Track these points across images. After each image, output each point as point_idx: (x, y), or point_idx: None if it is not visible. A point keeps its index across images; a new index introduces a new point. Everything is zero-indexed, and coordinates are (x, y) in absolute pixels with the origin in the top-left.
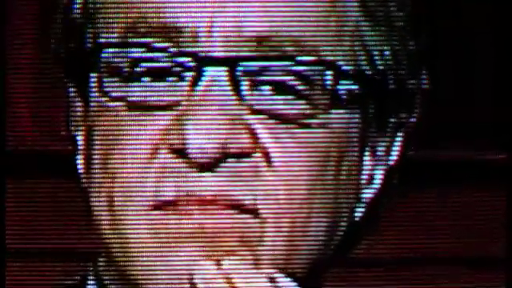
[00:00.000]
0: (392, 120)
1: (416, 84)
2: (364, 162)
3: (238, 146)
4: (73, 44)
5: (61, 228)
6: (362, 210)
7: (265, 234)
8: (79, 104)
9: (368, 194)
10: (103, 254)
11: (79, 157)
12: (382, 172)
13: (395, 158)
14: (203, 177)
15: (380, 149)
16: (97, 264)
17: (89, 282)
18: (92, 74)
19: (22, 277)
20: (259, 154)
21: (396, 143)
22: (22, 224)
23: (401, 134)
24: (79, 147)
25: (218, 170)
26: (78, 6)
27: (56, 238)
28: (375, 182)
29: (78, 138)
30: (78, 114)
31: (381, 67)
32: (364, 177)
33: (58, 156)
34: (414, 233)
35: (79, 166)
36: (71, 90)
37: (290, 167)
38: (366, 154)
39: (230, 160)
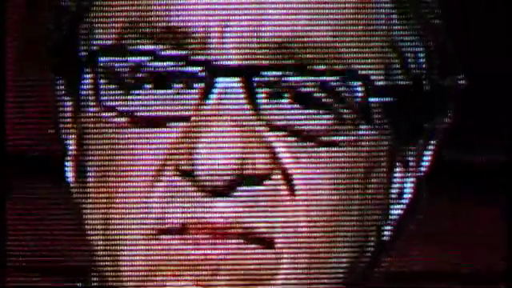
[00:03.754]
0: (425, 126)
1: (451, 86)
2: (394, 176)
3: (253, 168)
4: (64, 33)
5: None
6: (391, 228)
7: (279, 268)
8: (69, 103)
9: (397, 210)
10: (95, 273)
11: (69, 163)
12: (412, 184)
13: (426, 166)
14: (214, 202)
15: (411, 158)
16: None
17: None
18: (85, 74)
19: None
20: (278, 176)
21: (428, 151)
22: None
23: (433, 141)
24: (69, 152)
25: (231, 194)
26: None
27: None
28: (405, 196)
29: (69, 141)
30: (68, 114)
31: (414, 72)
32: (393, 192)
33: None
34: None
35: (68, 174)
36: (59, 85)
37: (313, 191)
38: (396, 166)
39: (244, 183)
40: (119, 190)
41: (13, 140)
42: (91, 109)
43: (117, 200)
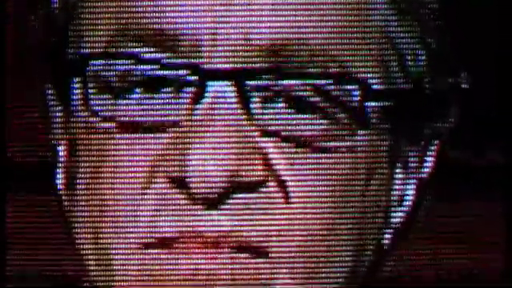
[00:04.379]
0: (426, 129)
1: (453, 86)
2: (394, 182)
3: (247, 175)
4: (52, 38)
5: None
6: (391, 234)
7: (275, 278)
8: (59, 109)
9: (398, 214)
10: (87, 284)
11: (59, 170)
12: (413, 187)
13: (428, 169)
14: (206, 211)
15: (412, 160)
16: None
17: None
18: (75, 79)
19: None
20: (272, 184)
21: (430, 153)
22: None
23: (435, 143)
24: (59, 159)
25: (224, 203)
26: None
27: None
28: (406, 200)
29: (59, 148)
30: (58, 120)
31: (414, 73)
32: (394, 196)
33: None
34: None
35: (58, 181)
36: (49, 91)
37: (309, 199)
38: (397, 171)
39: (238, 192)
40: (109, 198)
41: (12, 147)
42: (81, 115)
43: (106, 209)
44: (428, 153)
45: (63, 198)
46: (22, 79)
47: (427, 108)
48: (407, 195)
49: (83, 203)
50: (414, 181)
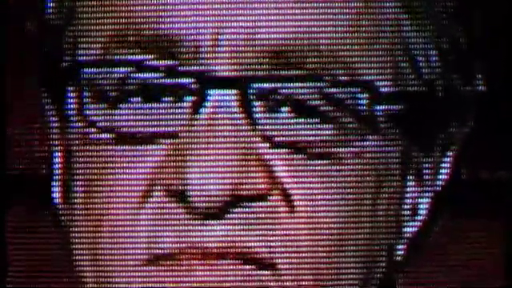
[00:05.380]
0: (440, 136)
1: (469, 90)
2: (407, 191)
3: (250, 188)
4: (47, 48)
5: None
6: (404, 247)
7: None
8: (54, 119)
9: (411, 227)
10: None
11: (55, 183)
12: (427, 200)
13: (444, 180)
14: (207, 225)
15: (426, 171)
16: None
17: None
18: (70, 88)
19: None
20: (277, 197)
21: (445, 163)
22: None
23: (451, 152)
24: (56, 171)
25: (226, 216)
26: (53, 4)
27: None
28: (420, 212)
29: (55, 159)
30: (54, 130)
31: (427, 76)
32: (407, 208)
33: None
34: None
35: (55, 195)
36: (45, 100)
37: (316, 209)
38: (410, 180)
39: (241, 204)
40: (106, 212)
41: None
42: (76, 125)
43: (104, 224)
44: (443, 160)
45: (60, 212)
46: (21, 85)
47: (441, 111)
48: (420, 208)
49: (80, 217)
50: (429, 193)
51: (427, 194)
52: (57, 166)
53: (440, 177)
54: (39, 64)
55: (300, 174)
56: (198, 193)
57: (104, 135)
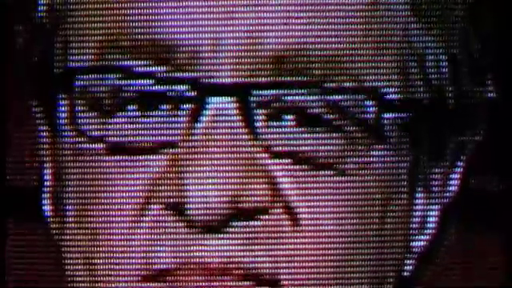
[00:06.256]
0: (450, 145)
1: (480, 96)
2: (415, 203)
3: (251, 200)
4: (37, 56)
5: None
6: (412, 262)
7: None
8: (45, 128)
9: (420, 241)
10: None
11: (46, 195)
12: (436, 212)
13: (453, 192)
14: (207, 240)
15: (435, 183)
16: None
17: None
18: (61, 96)
19: None
20: (280, 210)
21: (454, 174)
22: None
23: (461, 162)
24: (46, 183)
25: (226, 230)
26: (44, 8)
27: None
28: (428, 226)
29: (45, 171)
30: (44, 140)
31: (436, 82)
32: (415, 221)
33: None
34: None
35: (46, 208)
36: (35, 109)
37: (320, 224)
38: (418, 191)
39: (241, 218)
40: (101, 226)
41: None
42: (68, 134)
43: (98, 238)
44: (453, 170)
45: (52, 226)
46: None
47: (451, 120)
48: (429, 221)
49: (73, 232)
50: (437, 205)
51: (436, 207)
52: (46, 178)
53: (449, 188)
54: (29, 71)
55: (304, 185)
56: (197, 206)
57: (98, 145)
